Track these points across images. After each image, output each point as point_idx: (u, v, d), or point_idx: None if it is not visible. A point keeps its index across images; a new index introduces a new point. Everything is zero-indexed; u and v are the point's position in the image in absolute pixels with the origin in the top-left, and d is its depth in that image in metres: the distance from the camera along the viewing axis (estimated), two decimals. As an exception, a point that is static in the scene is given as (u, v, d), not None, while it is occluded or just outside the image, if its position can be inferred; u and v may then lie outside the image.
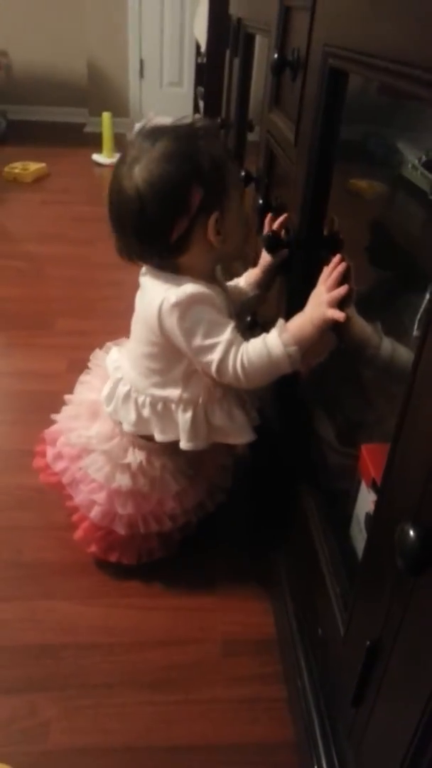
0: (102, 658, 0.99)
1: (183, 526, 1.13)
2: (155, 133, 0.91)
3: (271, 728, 0.90)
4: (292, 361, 0.90)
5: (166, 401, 0.99)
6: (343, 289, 0.84)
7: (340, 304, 0.84)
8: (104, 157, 3.74)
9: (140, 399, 1.01)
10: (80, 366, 1.19)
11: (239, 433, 1.02)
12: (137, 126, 0.94)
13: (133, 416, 1.01)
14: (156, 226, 0.91)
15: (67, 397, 1.16)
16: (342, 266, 0.84)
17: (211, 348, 0.91)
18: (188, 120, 0.94)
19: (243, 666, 0.99)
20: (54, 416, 1.15)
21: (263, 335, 0.93)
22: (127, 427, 1.03)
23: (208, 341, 0.91)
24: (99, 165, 3.72)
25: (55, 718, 0.90)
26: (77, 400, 1.14)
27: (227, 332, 0.91)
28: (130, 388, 1.02)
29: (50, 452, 1.11)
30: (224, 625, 1.05)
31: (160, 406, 1.00)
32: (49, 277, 2.31)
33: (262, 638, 1.03)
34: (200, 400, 0.98)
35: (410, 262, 0.85)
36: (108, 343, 1.18)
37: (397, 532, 0.43)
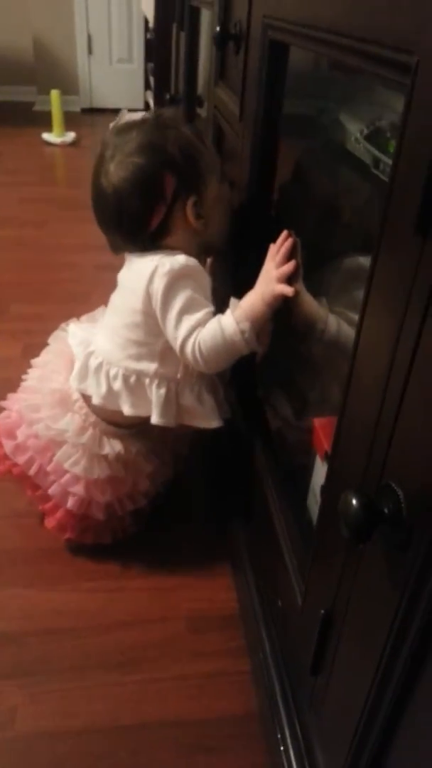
0: (67, 642, 0.99)
1: (152, 500, 1.16)
2: (126, 129, 0.94)
3: (237, 701, 0.92)
4: (246, 339, 0.90)
5: (139, 374, 0.99)
6: (291, 265, 0.84)
7: (289, 279, 0.85)
8: (54, 136, 3.66)
9: (112, 371, 1.00)
10: (36, 351, 1.17)
11: (206, 418, 1.02)
12: (111, 125, 0.98)
13: (103, 389, 1.01)
14: (135, 217, 0.94)
15: (24, 385, 1.13)
16: (289, 242, 0.84)
17: (179, 324, 0.92)
18: (156, 113, 0.98)
19: (208, 642, 1.00)
20: (4, 403, 1.13)
21: (218, 316, 0.93)
22: (96, 400, 1.02)
23: (182, 316, 0.92)
24: (49, 144, 3.64)
25: (21, 704, 0.90)
26: (36, 389, 1.10)
27: (200, 314, 0.92)
28: (102, 360, 1.01)
29: (9, 444, 1.08)
30: (188, 603, 1.06)
31: (132, 379, 1.00)
32: (0, 260, 2.26)
33: (226, 614, 1.04)
34: (178, 376, 0.99)
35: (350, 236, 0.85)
36: (62, 324, 1.16)
37: (340, 500, 0.44)
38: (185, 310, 0.92)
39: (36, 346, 1.17)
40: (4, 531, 1.16)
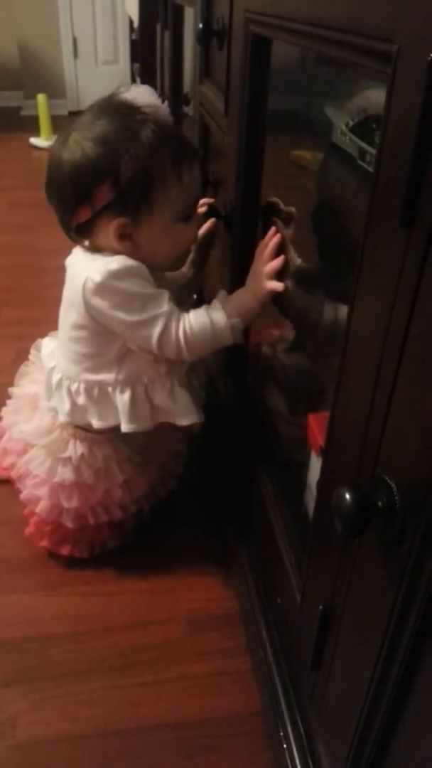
0: (67, 647, 0.98)
1: (136, 514, 1.12)
2: (103, 110, 0.87)
3: (239, 699, 0.91)
4: (235, 333, 0.90)
5: (101, 385, 0.95)
6: (279, 261, 0.84)
7: (278, 275, 0.84)
8: (42, 141, 3.65)
9: (73, 386, 0.96)
10: (28, 356, 1.17)
11: (184, 414, 0.97)
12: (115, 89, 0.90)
13: (67, 405, 0.97)
14: (63, 202, 0.90)
15: (10, 390, 1.14)
16: (277, 238, 0.84)
17: (151, 321, 0.87)
18: (149, 107, 0.87)
19: (208, 641, 1.00)
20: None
21: (205, 306, 0.92)
22: (62, 417, 0.99)
23: (146, 315, 0.87)
24: (37, 148, 3.63)
25: (23, 711, 0.89)
26: (19, 394, 1.12)
27: (165, 304, 0.88)
28: (61, 376, 0.98)
29: None
30: (188, 603, 1.05)
31: (96, 391, 0.96)
32: (-9, 266, 2.25)
33: (225, 613, 1.03)
34: (144, 379, 0.95)
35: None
36: (51, 333, 1.15)
37: (333, 495, 0.43)
38: (145, 308, 0.87)
39: (28, 352, 1.17)
40: (0, 538, 1.16)
